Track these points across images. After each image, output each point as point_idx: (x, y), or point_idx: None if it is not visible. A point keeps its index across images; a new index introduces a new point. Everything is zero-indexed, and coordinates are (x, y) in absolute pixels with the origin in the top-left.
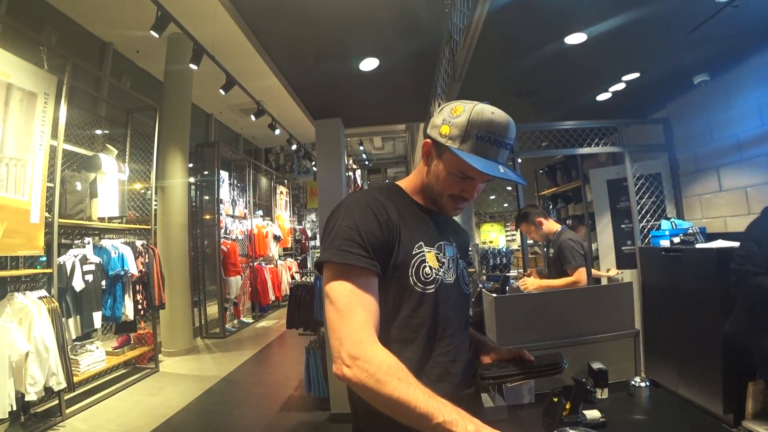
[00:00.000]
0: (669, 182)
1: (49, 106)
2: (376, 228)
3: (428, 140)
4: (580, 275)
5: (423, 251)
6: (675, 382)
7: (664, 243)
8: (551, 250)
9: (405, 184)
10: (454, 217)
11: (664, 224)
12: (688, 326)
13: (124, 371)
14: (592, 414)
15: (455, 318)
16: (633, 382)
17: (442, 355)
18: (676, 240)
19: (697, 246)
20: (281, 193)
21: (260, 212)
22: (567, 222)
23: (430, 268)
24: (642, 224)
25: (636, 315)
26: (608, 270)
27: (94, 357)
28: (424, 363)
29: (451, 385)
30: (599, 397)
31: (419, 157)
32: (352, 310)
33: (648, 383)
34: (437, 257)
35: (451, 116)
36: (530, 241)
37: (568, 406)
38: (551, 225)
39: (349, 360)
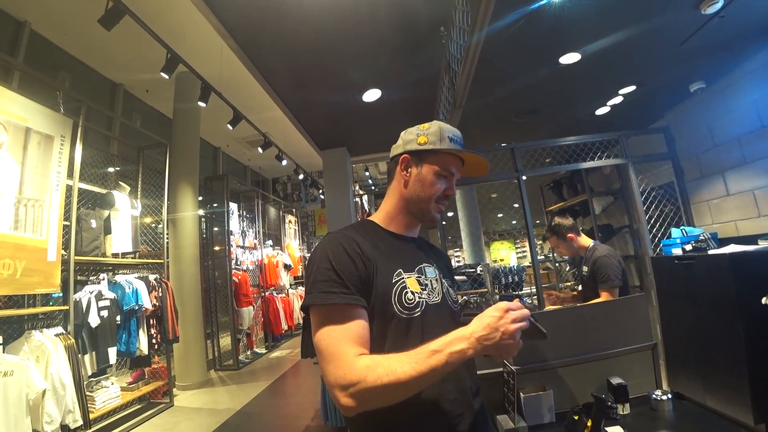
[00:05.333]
0: (676, 190)
1: (65, 148)
2: (350, 265)
3: (406, 155)
4: (612, 297)
5: (402, 277)
6: (701, 393)
7: (676, 251)
8: (584, 268)
9: (377, 217)
10: (428, 241)
11: (675, 232)
12: (709, 334)
13: (138, 407)
14: (615, 430)
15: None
16: (654, 396)
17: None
18: (688, 247)
19: (710, 252)
20: (290, 222)
21: (270, 242)
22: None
23: (412, 292)
24: (666, 233)
25: (655, 326)
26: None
27: (110, 393)
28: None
29: (448, 401)
30: (621, 412)
31: None
32: (333, 352)
33: (670, 396)
34: (418, 280)
35: (422, 130)
36: (541, 257)
37: (589, 424)
38: (583, 240)
39: (346, 396)
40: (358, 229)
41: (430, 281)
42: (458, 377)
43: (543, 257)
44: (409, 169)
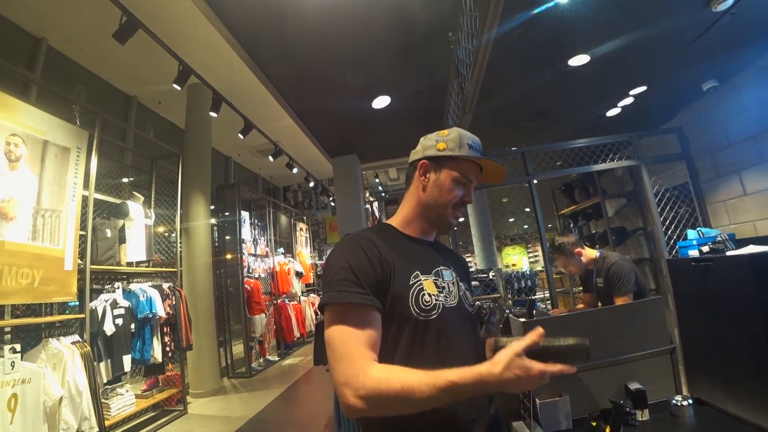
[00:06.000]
0: (691, 190)
1: (81, 159)
2: (368, 265)
3: (425, 160)
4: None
5: (420, 279)
6: (723, 399)
7: (693, 253)
8: (599, 280)
9: (395, 220)
10: (445, 245)
11: (691, 233)
12: (729, 338)
13: (153, 414)
14: None
15: (459, 340)
16: (674, 401)
17: None
18: (705, 249)
19: (728, 253)
20: (301, 229)
21: (281, 249)
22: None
23: (429, 295)
24: (682, 235)
25: (673, 330)
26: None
27: (124, 400)
28: None
29: (463, 406)
30: (640, 419)
31: None
32: (346, 351)
33: (691, 401)
34: (435, 283)
35: (442, 137)
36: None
37: (607, 430)
38: (589, 252)
39: (356, 398)
40: (375, 231)
41: (447, 284)
42: None
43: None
44: (428, 175)
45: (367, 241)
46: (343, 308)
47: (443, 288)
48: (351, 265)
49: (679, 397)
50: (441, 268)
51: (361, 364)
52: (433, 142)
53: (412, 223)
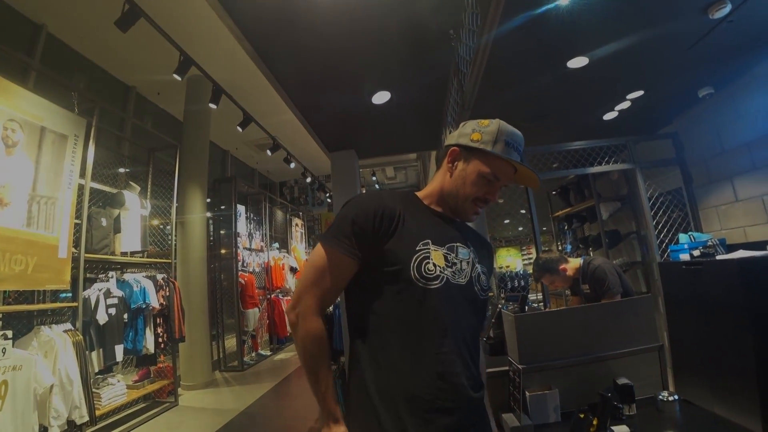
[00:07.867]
0: (685, 195)
1: (78, 147)
2: (368, 223)
3: (456, 147)
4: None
5: (429, 248)
6: (709, 400)
7: (684, 257)
8: (585, 286)
9: (422, 193)
10: (473, 228)
11: (682, 238)
12: (717, 340)
13: (143, 405)
14: (621, 430)
15: (458, 319)
16: (661, 397)
17: (445, 354)
18: (696, 253)
19: (718, 258)
20: (296, 225)
21: (276, 245)
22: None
23: (434, 265)
24: (674, 239)
25: (663, 333)
26: None
27: (116, 390)
28: (426, 357)
29: (452, 385)
30: (627, 413)
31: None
32: (304, 289)
33: (677, 397)
34: (446, 256)
35: (480, 126)
36: None
37: (595, 422)
38: (573, 263)
39: (291, 317)
40: (397, 195)
41: (461, 262)
42: (471, 359)
43: None
44: (456, 163)
45: (379, 201)
46: (328, 250)
47: (454, 264)
48: (353, 218)
49: (665, 393)
50: (457, 244)
51: (307, 306)
52: (469, 131)
53: (434, 202)
